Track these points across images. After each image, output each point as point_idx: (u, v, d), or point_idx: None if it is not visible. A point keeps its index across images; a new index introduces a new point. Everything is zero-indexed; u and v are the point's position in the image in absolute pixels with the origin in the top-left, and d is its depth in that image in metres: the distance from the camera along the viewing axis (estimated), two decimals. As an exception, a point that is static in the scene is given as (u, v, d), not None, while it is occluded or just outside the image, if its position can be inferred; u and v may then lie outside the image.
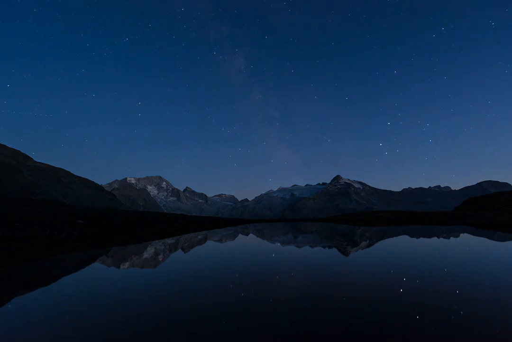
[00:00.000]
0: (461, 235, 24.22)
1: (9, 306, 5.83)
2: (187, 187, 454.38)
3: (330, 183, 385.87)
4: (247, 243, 19.86)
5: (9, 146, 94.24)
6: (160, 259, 12.34)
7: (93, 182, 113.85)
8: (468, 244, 15.82)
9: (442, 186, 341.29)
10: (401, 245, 16.14)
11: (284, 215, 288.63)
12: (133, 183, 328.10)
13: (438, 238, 21.42)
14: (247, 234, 30.70)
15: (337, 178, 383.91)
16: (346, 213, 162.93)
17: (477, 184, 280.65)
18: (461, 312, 4.70)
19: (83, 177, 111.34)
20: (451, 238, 21.74)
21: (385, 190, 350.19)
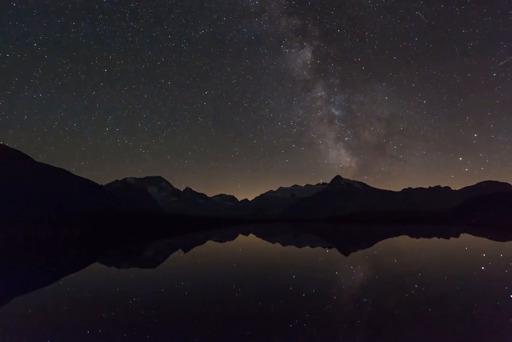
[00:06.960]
0: (461, 235, 24.20)
1: (10, 305, 5.84)
2: (187, 187, 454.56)
3: (330, 183, 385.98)
4: (247, 243, 19.83)
5: (10, 146, 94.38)
6: (160, 260, 12.35)
7: (93, 182, 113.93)
8: (469, 244, 15.80)
9: (442, 186, 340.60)
10: (402, 246, 16.12)
11: (284, 215, 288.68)
12: (133, 183, 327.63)
13: (439, 238, 21.43)
14: (247, 234, 30.71)
15: (337, 178, 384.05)
16: (346, 213, 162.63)
17: (477, 183, 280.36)
18: (461, 310, 4.70)
19: (83, 177, 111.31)
20: (452, 238, 21.73)
21: (385, 190, 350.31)
